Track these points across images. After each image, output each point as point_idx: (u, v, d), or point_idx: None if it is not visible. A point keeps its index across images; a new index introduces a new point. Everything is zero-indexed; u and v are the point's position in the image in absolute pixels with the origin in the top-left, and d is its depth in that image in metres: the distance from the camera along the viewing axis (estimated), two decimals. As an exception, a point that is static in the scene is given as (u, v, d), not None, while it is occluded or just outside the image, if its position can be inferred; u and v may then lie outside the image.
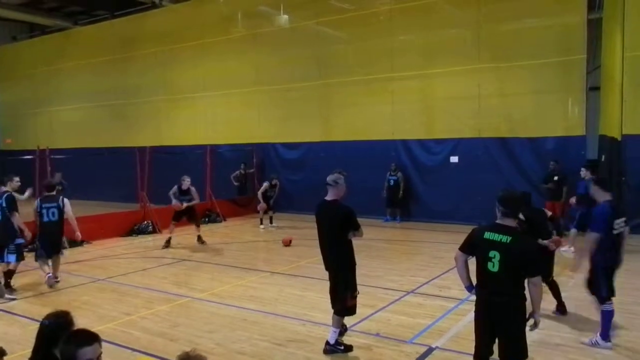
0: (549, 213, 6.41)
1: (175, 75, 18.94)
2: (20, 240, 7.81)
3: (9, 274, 7.75)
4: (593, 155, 13.52)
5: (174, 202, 11.43)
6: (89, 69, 21.02)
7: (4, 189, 7.93)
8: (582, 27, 12.03)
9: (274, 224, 14.17)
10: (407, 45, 14.44)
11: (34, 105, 23.33)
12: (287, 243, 11.42)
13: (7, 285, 7.67)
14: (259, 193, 14.00)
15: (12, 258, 7.70)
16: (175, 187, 11.51)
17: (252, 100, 17.28)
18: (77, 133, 21.30)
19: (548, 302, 6.64)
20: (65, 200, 8.36)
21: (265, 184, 14.03)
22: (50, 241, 8.20)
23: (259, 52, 16.91)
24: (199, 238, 11.75)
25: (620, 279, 8.40)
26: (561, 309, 6.48)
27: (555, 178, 11.72)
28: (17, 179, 8.18)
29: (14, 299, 7.52)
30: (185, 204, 11.37)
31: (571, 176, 11.97)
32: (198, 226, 11.90)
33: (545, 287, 5.89)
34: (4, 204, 7.70)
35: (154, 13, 19.19)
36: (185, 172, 16.98)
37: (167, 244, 11.43)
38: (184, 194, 11.51)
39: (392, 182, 14.31)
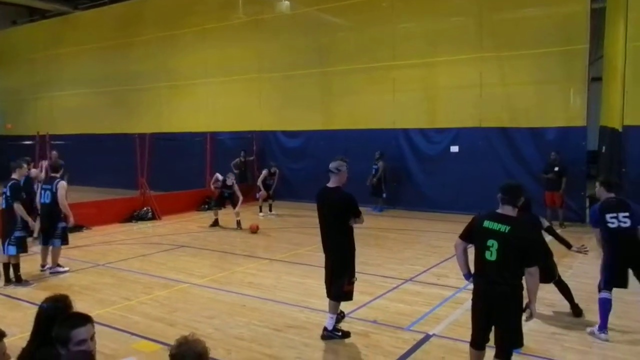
0: (546, 224, 6.05)
1: (175, 61, 18.84)
2: (18, 233, 7.51)
3: (15, 268, 7.55)
4: (594, 147, 13.52)
5: (213, 187, 12.84)
6: (89, 54, 20.92)
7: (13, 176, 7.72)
8: (585, 17, 11.94)
9: (273, 212, 14.20)
10: (409, 33, 14.35)
11: (34, 90, 23.23)
12: (255, 230, 11.57)
13: (18, 280, 7.53)
14: (259, 181, 14.01)
15: (12, 250, 7.46)
16: (221, 180, 12.43)
17: (253, 87, 17.21)
18: (77, 119, 21.23)
19: (545, 292, 6.67)
20: (61, 183, 7.99)
21: (265, 172, 14.04)
22: (42, 225, 8.06)
23: (260, 39, 16.80)
24: (238, 223, 12.11)
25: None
26: (575, 310, 6.09)
27: (556, 169, 11.70)
28: (25, 165, 8.11)
29: (31, 284, 7.55)
30: (232, 211, 12.32)
31: (571, 167, 12.00)
32: (235, 207, 12.31)
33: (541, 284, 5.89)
34: (8, 193, 7.48)
35: (154, -2, 19.08)
36: (185, 159, 17.22)
37: (215, 223, 12.33)
38: (227, 187, 12.35)
39: (373, 171, 14.23)
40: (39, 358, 2.95)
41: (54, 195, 7.90)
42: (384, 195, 14.33)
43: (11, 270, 7.60)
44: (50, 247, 8.17)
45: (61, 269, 8.26)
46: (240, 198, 12.28)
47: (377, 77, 14.77)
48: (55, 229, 8.04)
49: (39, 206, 8.06)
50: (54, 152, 13.66)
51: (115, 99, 20.44)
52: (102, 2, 21.29)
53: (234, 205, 12.28)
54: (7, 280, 7.57)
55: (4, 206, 7.63)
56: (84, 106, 21.31)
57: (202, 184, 15.79)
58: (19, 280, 7.56)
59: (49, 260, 8.28)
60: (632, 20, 11.51)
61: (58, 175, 8.24)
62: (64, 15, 22.25)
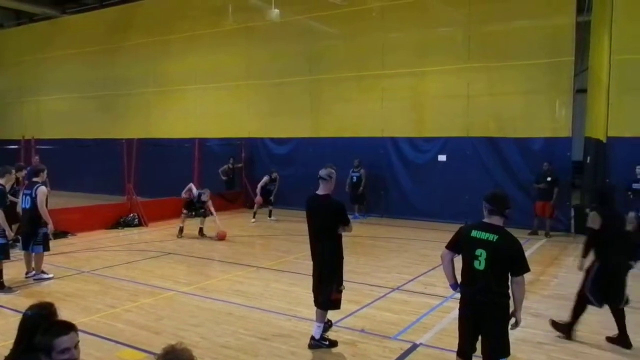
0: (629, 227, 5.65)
1: (164, 67, 18.80)
2: (0, 240, 7.36)
3: None
4: (578, 157, 13.70)
5: (184, 196, 12.12)
6: (77, 58, 20.79)
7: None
8: (571, 29, 12.15)
9: (273, 218, 14.17)
10: (399, 43, 14.48)
11: (20, 94, 23.03)
12: (222, 237, 11.46)
13: (1, 287, 7.40)
14: (258, 186, 14.05)
15: None
16: (195, 194, 11.99)
17: (241, 94, 17.22)
18: (64, 123, 21.04)
19: (531, 301, 6.73)
20: (40, 188, 7.84)
21: (266, 178, 14.08)
22: (23, 231, 8.01)
23: (250, 46, 16.84)
24: (200, 230, 11.97)
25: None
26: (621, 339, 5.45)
27: (549, 179, 11.82)
28: (14, 171, 7.99)
29: (14, 291, 7.44)
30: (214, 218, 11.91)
31: (562, 177, 12.19)
32: (205, 217, 12.07)
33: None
34: None
35: (143, 3, 19.04)
36: (173, 165, 17.13)
37: (180, 232, 11.92)
38: (200, 202, 12.02)
39: (354, 179, 14.36)
40: (22, 367, 2.90)
41: (34, 200, 7.80)
42: (364, 202, 14.55)
43: None
44: (33, 254, 8.05)
45: (45, 276, 8.13)
46: (214, 213, 11.92)
47: (366, 85, 14.86)
48: (35, 234, 7.91)
49: (20, 212, 7.97)
50: (36, 158, 13.53)
51: (103, 103, 20.32)
52: (90, 7, 21.19)
53: (205, 216, 11.98)
54: (1, 286, 7.44)
55: None
56: (71, 111, 21.13)
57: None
58: (2, 287, 7.44)
59: (34, 266, 8.15)
60: (616, 34, 11.74)
61: (39, 180, 8.11)
62: (51, 19, 22.11)
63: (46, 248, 8.09)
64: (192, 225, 12.71)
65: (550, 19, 12.43)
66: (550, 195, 11.80)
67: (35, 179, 8.06)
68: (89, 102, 20.70)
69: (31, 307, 3.09)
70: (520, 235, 10.22)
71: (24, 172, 9.57)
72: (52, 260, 9.06)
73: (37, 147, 13.76)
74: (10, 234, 7.58)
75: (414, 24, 14.16)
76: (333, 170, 5.46)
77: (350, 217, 5.48)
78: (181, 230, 11.91)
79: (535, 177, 12.19)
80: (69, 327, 2.77)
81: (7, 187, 7.86)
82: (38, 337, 2.75)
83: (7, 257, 7.58)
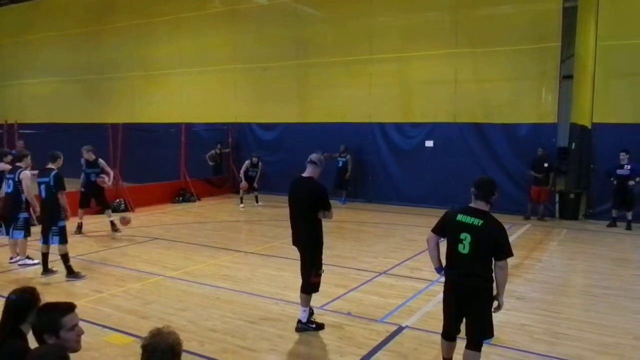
0: None
1: (149, 50, 18.53)
2: (62, 223, 7.41)
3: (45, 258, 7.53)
4: (564, 143, 13.84)
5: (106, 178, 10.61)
6: (60, 41, 20.40)
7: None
8: (557, 15, 12.17)
9: (260, 203, 14.13)
10: (386, 28, 14.41)
11: (2, 77, 22.60)
12: (126, 223, 10.48)
13: (45, 270, 7.47)
14: (241, 171, 13.96)
15: (55, 240, 7.37)
16: (83, 162, 10.66)
17: (228, 78, 17.05)
18: (47, 108, 20.72)
19: (515, 284, 6.84)
20: (24, 173, 7.74)
21: (247, 163, 13.98)
22: (4, 216, 7.99)
23: (236, 30, 16.64)
24: (112, 224, 10.78)
25: (582, 263, 8.76)
26: None
27: (546, 165, 11.94)
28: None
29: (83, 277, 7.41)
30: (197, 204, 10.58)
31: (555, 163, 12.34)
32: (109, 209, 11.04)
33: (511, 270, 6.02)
34: (51, 183, 7.43)
35: (127, -15, 18.68)
36: (160, 150, 17.01)
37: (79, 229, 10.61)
38: (92, 165, 10.58)
39: (340, 164, 14.41)
40: (7, 351, 2.89)
41: (16, 184, 7.75)
42: (349, 187, 14.59)
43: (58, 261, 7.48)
44: (17, 240, 7.98)
45: (30, 262, 8.06)
46: (112, 173, 10.66)
47: (354, 70, 14.80)
48: (15, 219, 7.82)
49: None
50: (20, 142, 13.33)
51: (87, 88, 20.03)
52: (73, -12, 20.73)
53: (105, 204, 10.77)
54: (46, 270, 7.49)
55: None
56: (54, 95, 20.80)
57: (176, 175, 15.62)
58: (71, 272, 7.40)
59: (19, 251, 8.08)
60: (602, 20, 11.81)
61: (22, 165, 8.02)
62: (33, 0, 21.61)
63: (27, 234, 8.00)
64: (182, 210, 12.61)
65: (537, 4, 12.43)
66: (547, 180, 11.98)
67: (18, 164, 8.01)
68: (73, 86, 20.38)
69: (14, 292, 3.08)
70: (511, 221, 10.36)
71: (9, 158, 9.48)
72: (38, 246, 8.94)
73: (20, 131, 13.57)
74: None
75: (402, 9, 14.09)
76: (323, 158, 5.53)
77: (337, 201, 5.50)
78: (80, 226, 10.58)
79: (530, 163, 12.20)
80: (71, 306, 2.84)
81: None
82: (41, 317, 2.77)
83: (65, 241, 7.47)
